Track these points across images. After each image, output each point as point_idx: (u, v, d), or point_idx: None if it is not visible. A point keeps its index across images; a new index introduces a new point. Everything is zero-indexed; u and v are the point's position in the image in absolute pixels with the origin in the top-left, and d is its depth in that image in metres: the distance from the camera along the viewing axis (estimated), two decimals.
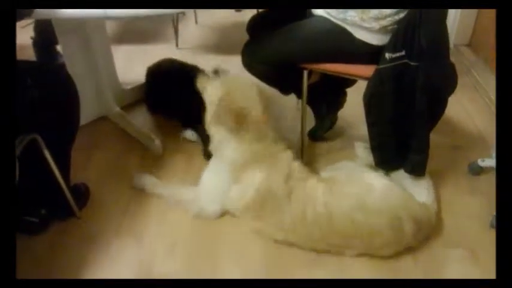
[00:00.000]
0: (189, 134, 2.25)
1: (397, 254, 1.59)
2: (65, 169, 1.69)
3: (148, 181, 1.93)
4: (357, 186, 1.64)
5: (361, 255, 1.59)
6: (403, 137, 1.73)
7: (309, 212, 1.58)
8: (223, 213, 1.80)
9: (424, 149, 1.72)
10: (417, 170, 1.78)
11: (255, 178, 1.64)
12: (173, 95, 2.34)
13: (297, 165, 1.69)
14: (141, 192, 1.92)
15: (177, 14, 3.52)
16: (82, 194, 1.86)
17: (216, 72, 2.34)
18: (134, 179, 1.95)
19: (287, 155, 1.70)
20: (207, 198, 1.78)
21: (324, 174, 1.81)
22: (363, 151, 1.93)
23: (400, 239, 1.55)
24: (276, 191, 1.62)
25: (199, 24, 3.87)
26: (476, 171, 1.95)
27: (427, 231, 1.63)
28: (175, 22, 3.42)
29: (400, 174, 1.80)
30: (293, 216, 1.60)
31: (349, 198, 1.58)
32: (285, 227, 1.63)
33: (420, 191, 1.74)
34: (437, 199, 1.79)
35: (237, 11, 4.07)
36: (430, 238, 1.66)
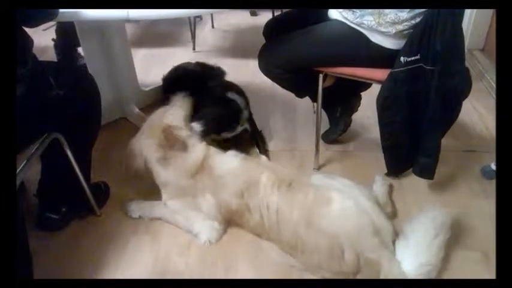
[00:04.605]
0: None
1: None
2: (85, 168, 1.73)
3: (140, 206, 1.87)
4: (316, 198, 1.60)
5: None
6: (415, 139, 1.75)
7: (265, 218, 1.63)
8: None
9: (434, 152, 1.73)
10: (426, 173, 1.80)
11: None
12: None
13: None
14: (158, 192, 1.95)
15: (194, 18, 3.57)
16: (102, 192, 1.90)
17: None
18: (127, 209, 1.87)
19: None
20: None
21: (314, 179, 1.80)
22: (380, 186, 1.87)
23: (336, 265, 1.49)
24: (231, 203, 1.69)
25: (215, 28, 3.92)
26: (489, 174, 1.95)
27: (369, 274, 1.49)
28: (192, 26, 3.47)
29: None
30: (255, 223, 1.66)
31: (301, 210, 1.57)
32: (252, 229, 1.70)
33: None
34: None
35: (252, 14, 4.11)
36: None
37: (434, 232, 1.52)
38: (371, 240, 1.50)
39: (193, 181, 1.73)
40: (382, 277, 1.46)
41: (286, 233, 1.57)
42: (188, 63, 2.62)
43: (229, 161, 1.76)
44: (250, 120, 2.25)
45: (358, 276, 1.48)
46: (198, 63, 2.57)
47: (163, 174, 1.76)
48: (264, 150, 2.21)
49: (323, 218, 1.53)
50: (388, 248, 1.53)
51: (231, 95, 2.18)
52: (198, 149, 1.77)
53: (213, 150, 1.80)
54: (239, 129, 2.17)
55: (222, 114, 2.10)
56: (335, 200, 1.57)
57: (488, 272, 1.55)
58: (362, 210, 1.56)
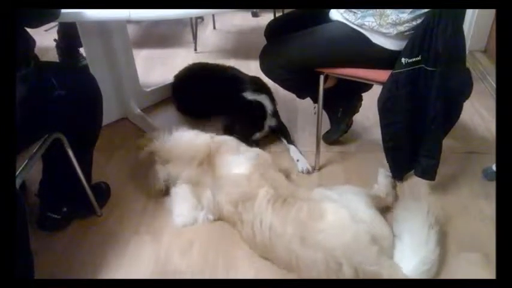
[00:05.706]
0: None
1: None
2: (87, 168, 1.73)
3: None
4: (309, 212, 1.55)
5: None
6: (417, 140, 1.75)
7: (257, 234, 1.60)
8: None
9: (436, 153, 1.73)
10: (428, 174, 1.80)
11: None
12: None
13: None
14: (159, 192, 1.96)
15: (196, 19, 3.58)
16: (103, 192, 1.91)
17: None
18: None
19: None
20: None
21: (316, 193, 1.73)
22: (384, 178, 1.90)
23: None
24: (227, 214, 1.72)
25: (217, 29, 3.92)
26: (491, 176, 1.94)
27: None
28: (193, 27, 3.48)
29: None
30: (246, 235, 1.65)
31: (294, 225, 1.52)
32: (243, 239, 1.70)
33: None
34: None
35: (254, 15, 4.12)
36: None
37: (427, 229, 1.54)
38: (369, 250, 1.45)
39: (197, 172, 1.82)
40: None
41: (280, 249, 1.54)
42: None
43: (235, 164, 1.77)
44: (276, 115, 2.32)
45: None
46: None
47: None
48: (291, 141, 2.26)
49: (317, 232, 1.48)
50: (388, 255, 1.50)
51: (255, 96, 2.27)
52: (201, 141, 1.86)
53: (225, 147, 1.86)
54: (267, 127, 2.27)
55: (249, 119, 2.23)
56: (329, 212, 1.53)
57: (489, 274, 1.54)
58: (359, 219, 1.52)
